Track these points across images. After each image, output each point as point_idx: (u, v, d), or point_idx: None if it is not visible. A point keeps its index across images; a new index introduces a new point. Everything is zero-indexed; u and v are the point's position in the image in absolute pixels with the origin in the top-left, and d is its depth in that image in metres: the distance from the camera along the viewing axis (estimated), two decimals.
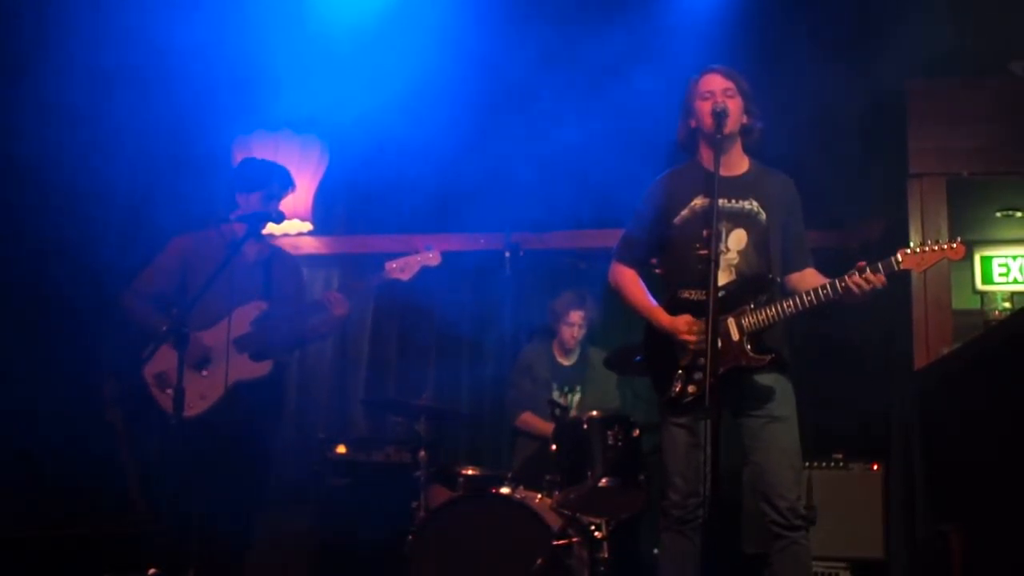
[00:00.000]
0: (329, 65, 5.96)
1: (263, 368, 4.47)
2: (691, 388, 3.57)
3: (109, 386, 5.81)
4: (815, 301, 3.50)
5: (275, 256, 4.76)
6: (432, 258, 4.64)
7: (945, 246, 3.48)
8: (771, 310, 3.53)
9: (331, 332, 4.84)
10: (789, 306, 3.52)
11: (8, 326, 5.36)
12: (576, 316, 5.55)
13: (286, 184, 4.71)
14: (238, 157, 6.21)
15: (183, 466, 4.13)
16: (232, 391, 4.40)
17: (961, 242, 3.50)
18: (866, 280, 3.43)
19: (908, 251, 3.47)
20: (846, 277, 3.46)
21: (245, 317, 4.48)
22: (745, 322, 3.55)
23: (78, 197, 5.49)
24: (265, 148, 6.15)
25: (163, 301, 4.53)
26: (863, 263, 3.46)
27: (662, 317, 3.67)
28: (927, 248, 3.47)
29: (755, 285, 3.60)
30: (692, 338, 3.55)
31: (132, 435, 5.82)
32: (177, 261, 4.61)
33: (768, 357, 3.54)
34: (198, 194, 5.96)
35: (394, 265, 4.60)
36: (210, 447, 4.32)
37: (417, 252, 4.63)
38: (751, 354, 3.54)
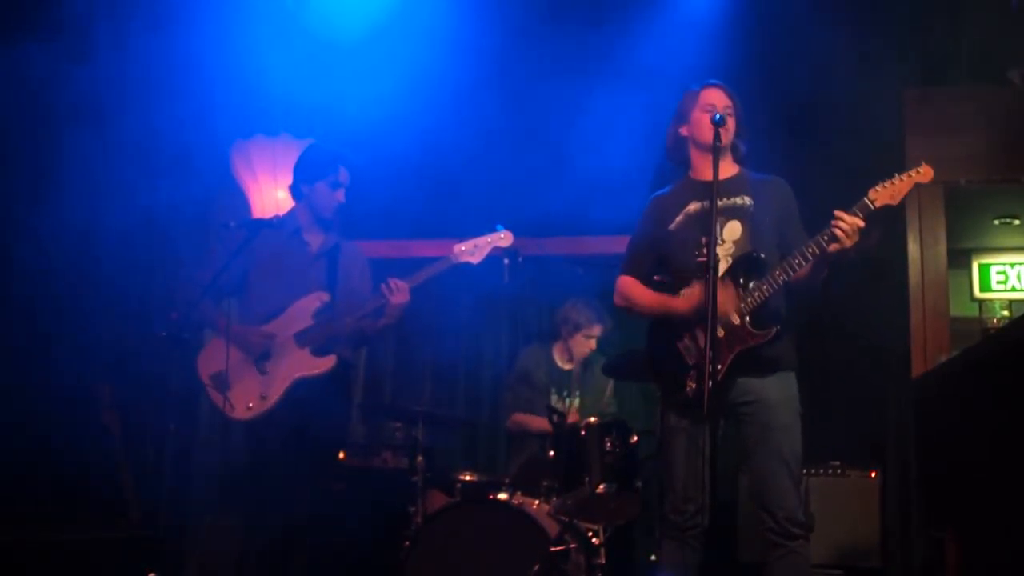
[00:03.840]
0: (327, 70, 5.96)
1: (326, 363, 4.24)
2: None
3: (105, 390, 5.81)
4: (803, 262, 3.49)
5: (340, 247, 4.49)
6: (503, 239, 4.33)
7: (913, 173, 3.49)
8: (763, 285, 3.54)
9: (391, 323, 4.42)
10: (779, 274, 3.52)
11: (6, 329, 5.36)
12: (598, 330, 5.52)
13: (353, 173, 4.49)
14: (236, 162, 6.22)
15: (234, 469, 4.02)
16: (293, 389, 4.21)
17: (926, 164, 3.49)
18: (846, 223, 3.40)
19: (879, 188, 3.47)
20: (826, 230, 3.43)
21: (306, 309, 4.29)
22: (741, 304, 3.56)
23: (77, 200, 5.49)
24: (263, 153, 6.16)
25: (222, 292, 4.36)
26: (839, 211, 3.43)
27: (675, 302, 3.65)
28: (896, 179, 3.48)
29: (745, 265, 3.61)
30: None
31: (128, 438, 5.82)
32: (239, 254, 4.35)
33: (772, 329, 3.53)
34: (198, 198, 5.98)
35: (462, 248, 4.29)
36: (271, 448, 4.18)
37: (487, 233, 4.33)
38: (754, 331, 3.54)
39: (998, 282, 7.54)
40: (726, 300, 3.53)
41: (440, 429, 5.72)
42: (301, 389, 4.22)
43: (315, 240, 4.46)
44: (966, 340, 5.46)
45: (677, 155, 3.86)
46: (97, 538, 4.91)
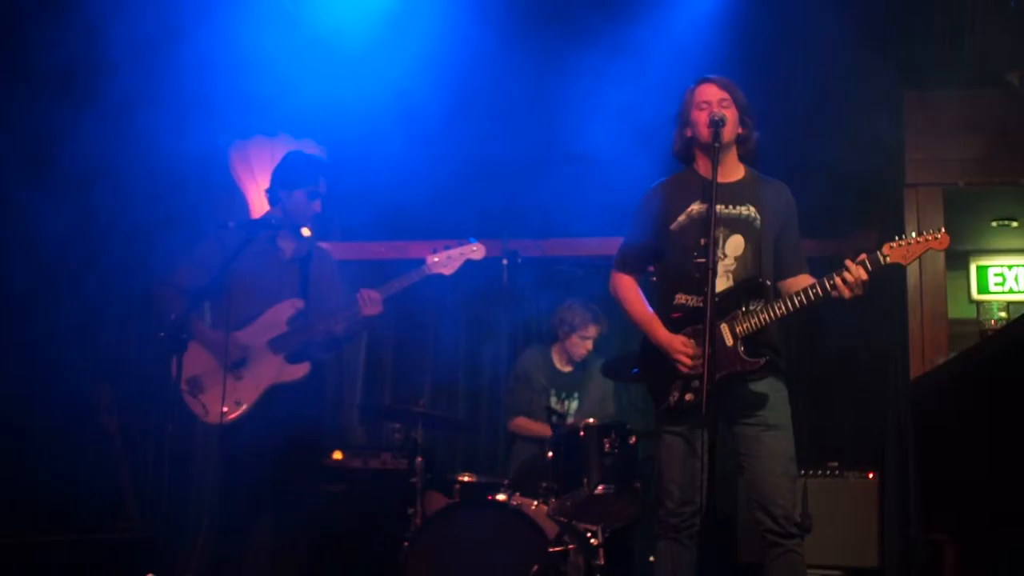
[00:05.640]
0: (327, 70, 5.96)
1: (300, 370, 4.29)
2: (688, 396, 3.57)
3: (104, 392, 5.81)
4: (805, 301, 3.51)
5: (313, 253, 4.55)
6: (476, 251, 4.40)
7: (929, 237, 3.48)
8: (763, 314, 3.54)
9: (359, 332, 4.56)
10: (780, 308, 3.53)
11: (5, 331, 5.36)
12: (593, 331, 5.53)
13: (330, 183, 4.54)
14: (235, 162, 6.23)
15: (207, 472, 4.04)
16: (268, 395, 4.25)
17: (944, 232, 3.50)
18: (851, 275, 3.43)
19: (894, 244, 3.48)
20: (833, 274, 3.47)
21: (281, 316, 4.33)
22: (738, 327, 3.56)
23: (76, 203, 5.49)
24: (263, 153, 6.16)
25: (198, 296, 4.34)
26: (849, 260, 3.47)
27: (660, 332, 3.67)
28: (912, 240, 3.48)
29: (748, 290, 3.61)
30: (687, 360, 3.56)
31: (127, 441, 5.82)
32: (214, 257, 4.37)
33: (762, 360, 3.54)
34: (196, 199, 5.98)
35: (436, 259, 4.35)
36: (242, 453, 4.21)
37: (459, 244, 4.39)
38: (745, 358, 3.54)
39: (996, 284, 7.56)
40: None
41: (439, 430, 5.73)
42: (276, 395, 4.26)
43: (288, 246, 4.49)
44: (964, 342, 5.48)
45: (686, 157, 3.83)
46: (96, 540, 4.91)
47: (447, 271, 4.36)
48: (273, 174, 4.55)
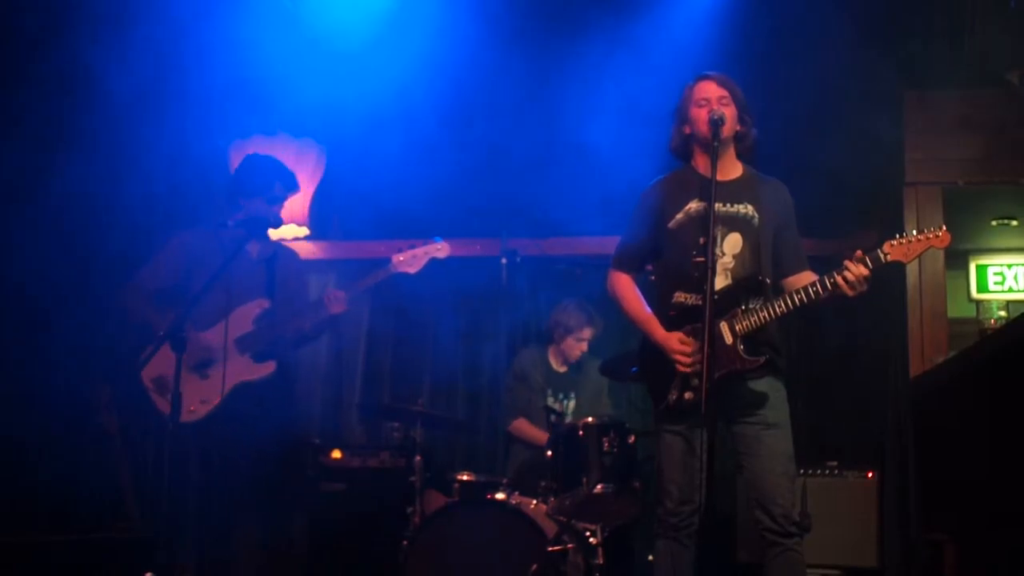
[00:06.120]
0: (326, 69, 5.96)
1: (266, 369, 4.35)
2: (688, 395, 3.56)
3: (104, 392, 5.80)
4: (805, 299, 3.50)
5: (278, 254, 4.64)
6: (440, 250, 4.49)
7: (930, 235, 3.46)
8: (763, 312, 3.53)
9: (325, 330, 4.69)
10: (780, 306, 3.52)
11: (4, 331, 5.35)
12: (588, 333, 5.53)
13: (289, 187, 4.62)
14: (235, 162, 6.22)
15: (185, 472, 4.10)
16: (234, 394, 4.28)
17: (945, 230, 3.48)
18: (852, 273, 3.42)
19: (894, 242, 3.47)
20: (834, 273, 3.46)
21: (247, 316, 4.38)
22: (738, 326, 3.56)
23: (75, 204, 5.49)
24: (262, 152, 6.15)
25: (165, 297, 4.42)
26: (848, 260, 3.46)
27: (657, 331, 3.67)
28: (912, 238, 3.46)
29: (747, 288, 3.60)
30: (684, 359, 3.56)
31: (127, 441, 5.81)
32: (179, 257, 4.48)
33: (762, 359, 3.54)
34: (196, 199, 5.98)
35: (401, 258, 4.45)
36: (213, 452, 4.26)
37: (424, 243, 4.48)
38: (745, 357, 3.54)
39: (995, 283, 7.56)
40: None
41: (438, 429, 5.74)
42: (242, 394, 4.30)
43: (254, 247, 4.54)
44: (963, 341, 5.48)
45: (684, 154, 3.83)
46: (96, 540, 4.91)
47: (412, 270, 4.46)
48: (232, 179, 4.65)
